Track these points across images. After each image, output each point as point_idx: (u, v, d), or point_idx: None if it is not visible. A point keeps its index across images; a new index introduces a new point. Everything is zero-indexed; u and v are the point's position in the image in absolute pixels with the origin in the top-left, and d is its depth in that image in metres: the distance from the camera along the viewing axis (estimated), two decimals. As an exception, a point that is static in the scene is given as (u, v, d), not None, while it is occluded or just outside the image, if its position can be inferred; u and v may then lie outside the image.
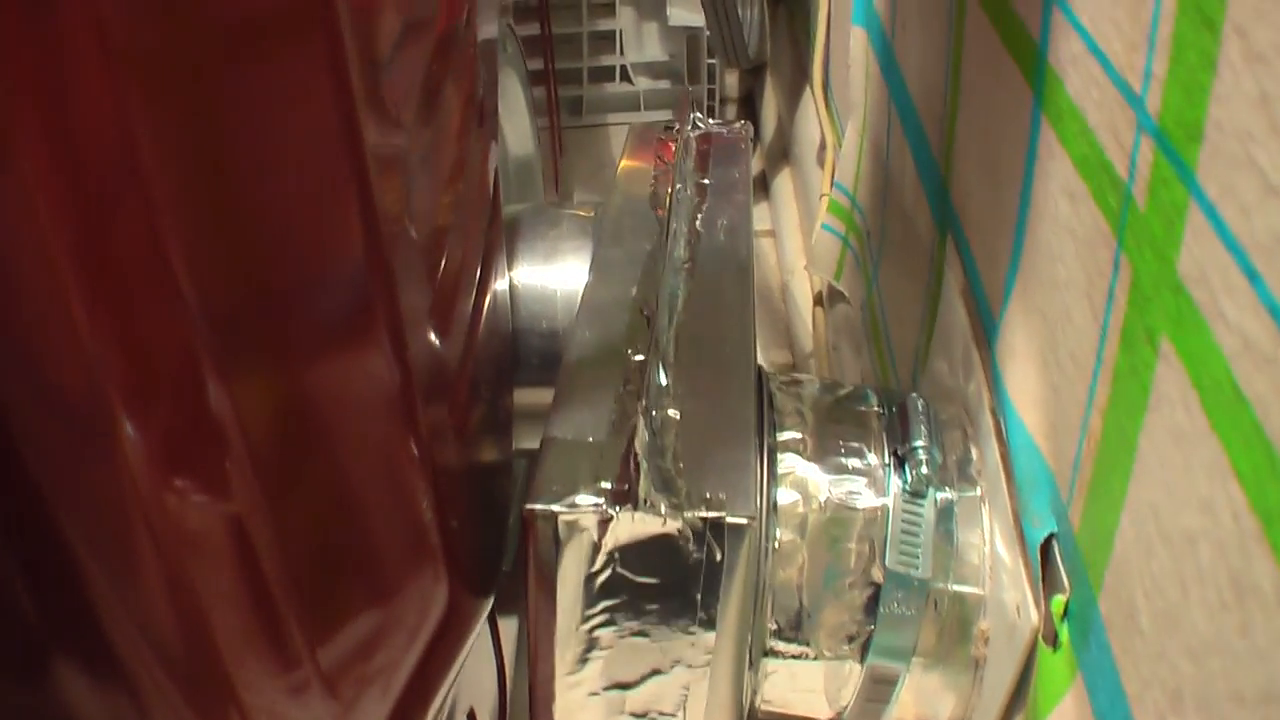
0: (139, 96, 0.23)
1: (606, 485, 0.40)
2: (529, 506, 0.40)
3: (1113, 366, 0.34)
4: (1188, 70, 0.28)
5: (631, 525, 0.39)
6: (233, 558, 0.29)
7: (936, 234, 0.56)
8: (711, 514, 0.39)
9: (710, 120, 0.74)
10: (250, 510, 0.29)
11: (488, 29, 0.51)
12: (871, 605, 0.45)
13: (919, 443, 0.46)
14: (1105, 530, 0.35)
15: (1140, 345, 0.31)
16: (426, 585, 0.39)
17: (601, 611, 0.41)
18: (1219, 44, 0.26)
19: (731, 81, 1.37)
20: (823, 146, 0.95)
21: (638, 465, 0.39)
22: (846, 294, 0.82)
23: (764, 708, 0.49)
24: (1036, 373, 0.41)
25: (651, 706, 0.43)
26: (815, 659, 0.46)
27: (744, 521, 0.39)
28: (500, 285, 0.52)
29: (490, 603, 0.48)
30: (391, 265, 0.33)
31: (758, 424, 0.46)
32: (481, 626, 0.47)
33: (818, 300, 0.88)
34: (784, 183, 1.13)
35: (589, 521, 0.39)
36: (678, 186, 0.64)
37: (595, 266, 0.55)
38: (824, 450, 0.47)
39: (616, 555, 0.40)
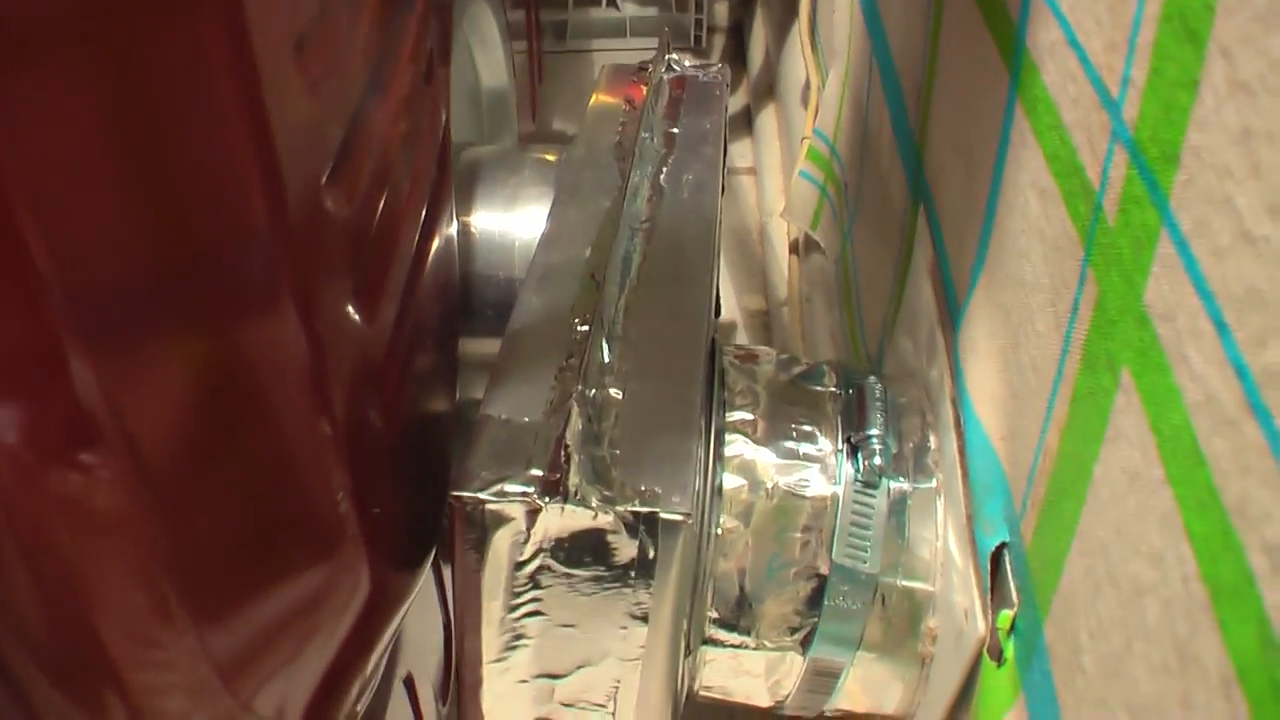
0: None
1: (537, 473, 0.38)
2: (455, 494, 0.38)
3: (1073, 385, 0.32)
4: (1167, 85, 0.25)
5: (561, 518, 0.37)
6: (112, 552, 0.27)
7: (909, 203, 0.54)
8: (645, 509, 0.37)
9: (686, 62, 0.71)
10: (129, 502, 0.27)
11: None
12: (816, 597, 0.44)
13: (874, 431, 0.44)
14: (1055, 555, 0.33)
15: (1101, 370, 0.29)
16: (342, 571, 0.37)
17: (529, 602, 0.39)
18: (1202, 63, 0.23)
19: (721, 10, 1.33)
20: (807, 86, 0.92)
21: (569, 455, 0.37)
22: (822, 245, 0.80)
23: (703, 694, 0.48)
24: (997, 373, 0.39)
25: (581, 696, 0.42)
26: (756, 649, 0.45)
27: (678, 518, 0.37)
28: (447, 245, 0.49)
29: (423, 574, 0.46)
30: (303, 243, 0.31)
31: (706, 404, 0.44)
32: (421, 587, 0.45)
33: (793, 248, 0.86)
34: (768, 119, 1.10)
35: (516, 512, 0.37)
36: (644, 136, 0.61)
37: (549, 225, 0.52)
38: (774, 434, 0.45)
39: (545, 546, 0.38)
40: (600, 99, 0.66)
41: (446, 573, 0.58)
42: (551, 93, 1.22)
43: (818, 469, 0.44)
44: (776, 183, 1.01)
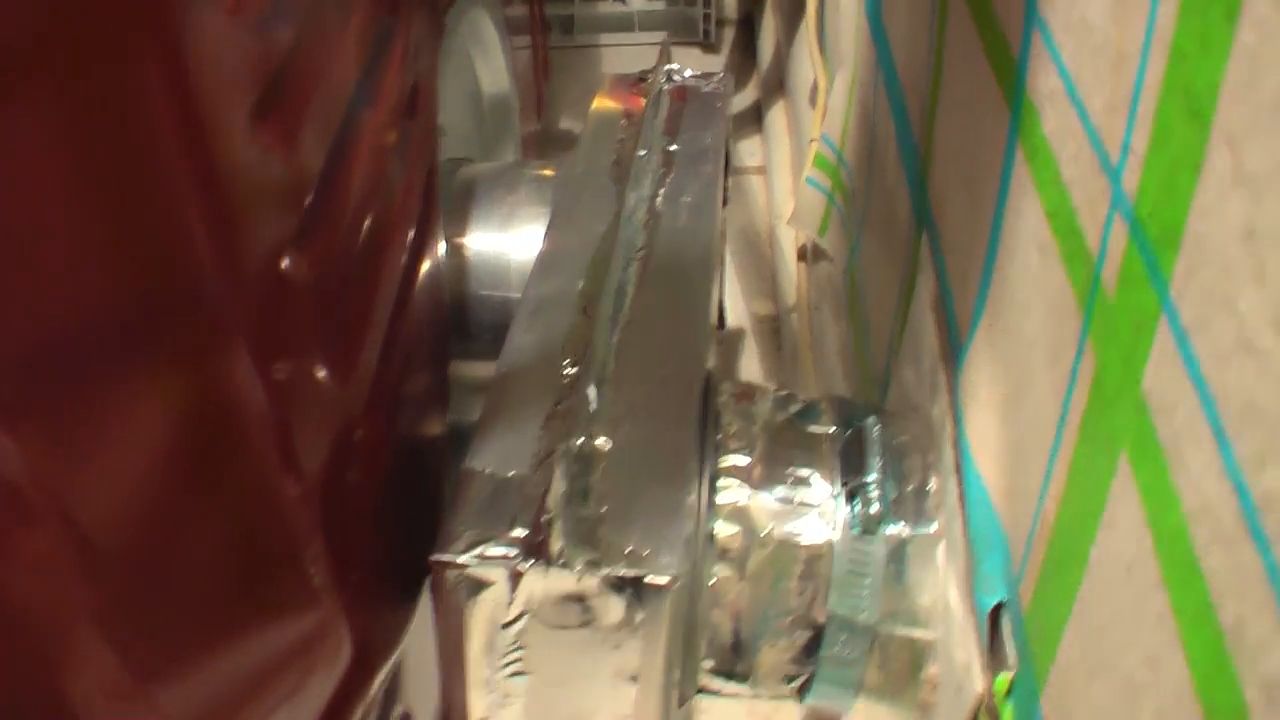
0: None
1: (521, 533, 0.37)
2: (436, 557, 0.36)
3: (1070, 455, 0.30)
4: (1169, 162, 0.24)
5: (545, 581, 0.36)
6: (70, 619, 0.26)
7: (914, 224, 0.52)
8: (631, 572, 0.36)
9: (688, 72, 0.70)
10: (77, 580, 0.26)
11: (424, 25, 0.46)
12: (813, 646, 0.42)
13: (872, 477, 0.43)
14: (1052, 627, 0.31)
15: (1100, 449, 0.28)
16: (319, 639, 0.36)
17: (515, 662, 0.38)
18: (1205, 146, 0.22)
19: (730, 2, 1.31)
20: (815, 87, 0.90)
21: (553, 515, 0.36)
22: (829, 252, 0.78)
23: (698, 740, 0.46)
24: (996, 424, 0.38)
25: (570, 752, 0.40)
26: (752, 698, 0.44)
27: (665, 581, 0.36)
28: (435, 281, 0.48)
29: (412, 619, 0.45)
30: (263, 305, 0.30)
31: (699, 450, 0.43)
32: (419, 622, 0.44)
33: (801, 255, 0.84)
34: (778, 116, 1.08)
35: (499, 575, 0.36)
36: (642, 153, 0.60)
37: (543, 251, 0.51)
38: (770, 478, 0.44)
39: (530, 608, 0.37)
40: (599, 111, 0.64)
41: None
42: (559, 88, 1.20)
43: (814, 515, 0.43)
44: (786, 183, 1.00)
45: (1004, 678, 0.36)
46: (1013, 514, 0.36)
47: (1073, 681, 0.30)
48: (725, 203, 0.72)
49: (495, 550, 0.36)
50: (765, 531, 0.42)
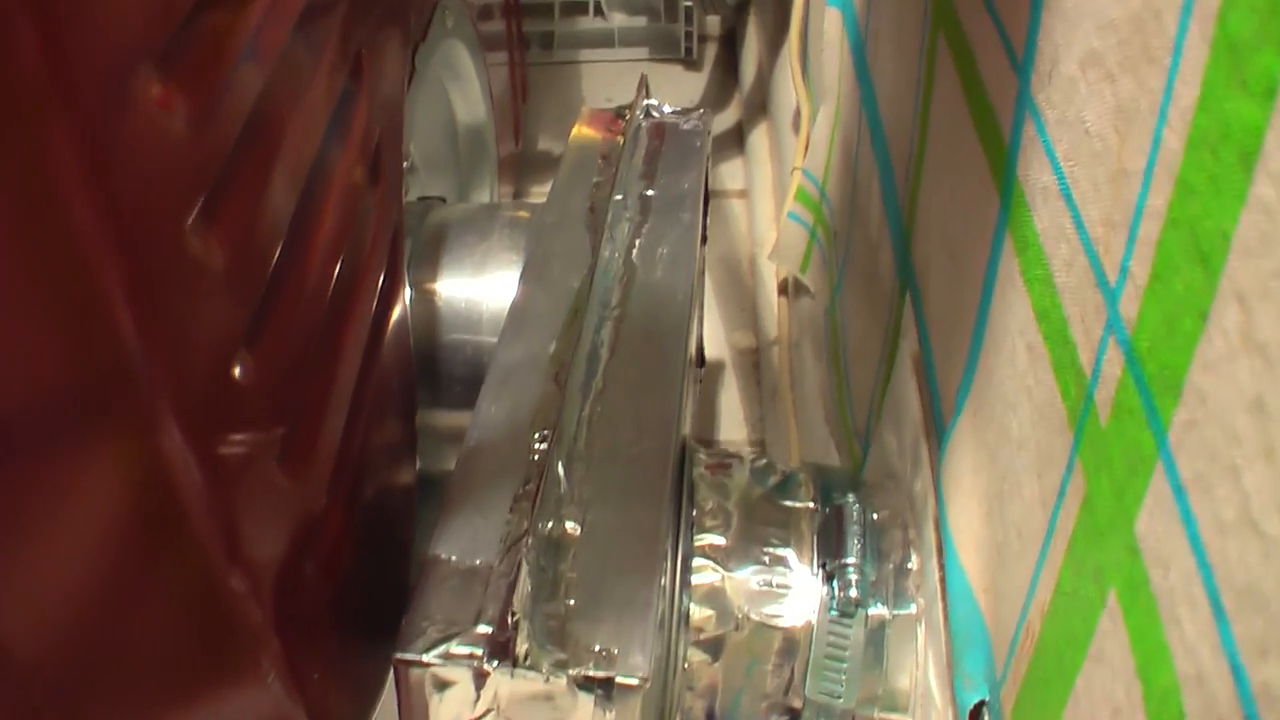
0: None
1: (485, 630, 0.35)
2: (400, 655, 0.35)
3: (1057, 573, 0.29)
4: (1172, 302, 0.22)
5: (511, 682, 0.35)
6: None
7: (897, 285, 0.51)
8: (600, 673, 0.35)
9: (666, 108, 0.68)
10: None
11: (389, 77, 0.45)
12: (789, 732, 0.41)
13: (851, 559, 0.42)
14: (1038, 751, 0.30)
15: (1088, 579, 0.27)
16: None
17: (480, 758, 0.37)
18: (1213, 297, 0.21)
19: (713, 18, 1.29)
20: (798, 113, 0.89)
21: (517, 618, 0.35)
22: (811, 289, 0.77)
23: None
24: (980, 516, 0.36)
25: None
26: (726, 782, 0.42)
27: (634, 682, 0.34)
28: (400, 349, 0.46)
29: (380, 696, 0.44)
30: (208, 412, 0.28)
31: (673, 529, 0.42)
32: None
33: (782, 289, 0.83)
34: (760, 138, 1.07)
35: (463, 675, 0.35)
36: (619, 197, 0.58)
37: (514, 308, 0.49)
38: (746, 557, 0.42)
39: (496, 706, 0.35)
40: (574, 149, 0.63)
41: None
42: (538, 106, 1.18)
43: (791, 597, 0.41)
44: (768, 209, 0.98)
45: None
46: (996, 614, 0.35)
47: (1058, 812, 0.28)
48: (704, 241, 0.71)
49: (460, 649, 0.35)
50: (741, 614, 0.41)
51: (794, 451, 0.75)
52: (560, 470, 0.41)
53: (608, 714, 0.35)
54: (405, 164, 0.59)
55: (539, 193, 1.07)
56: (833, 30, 0.72)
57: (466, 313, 0.58)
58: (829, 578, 0.42)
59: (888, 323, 0.53)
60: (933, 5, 0.44)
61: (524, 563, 0.36)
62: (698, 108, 0.69)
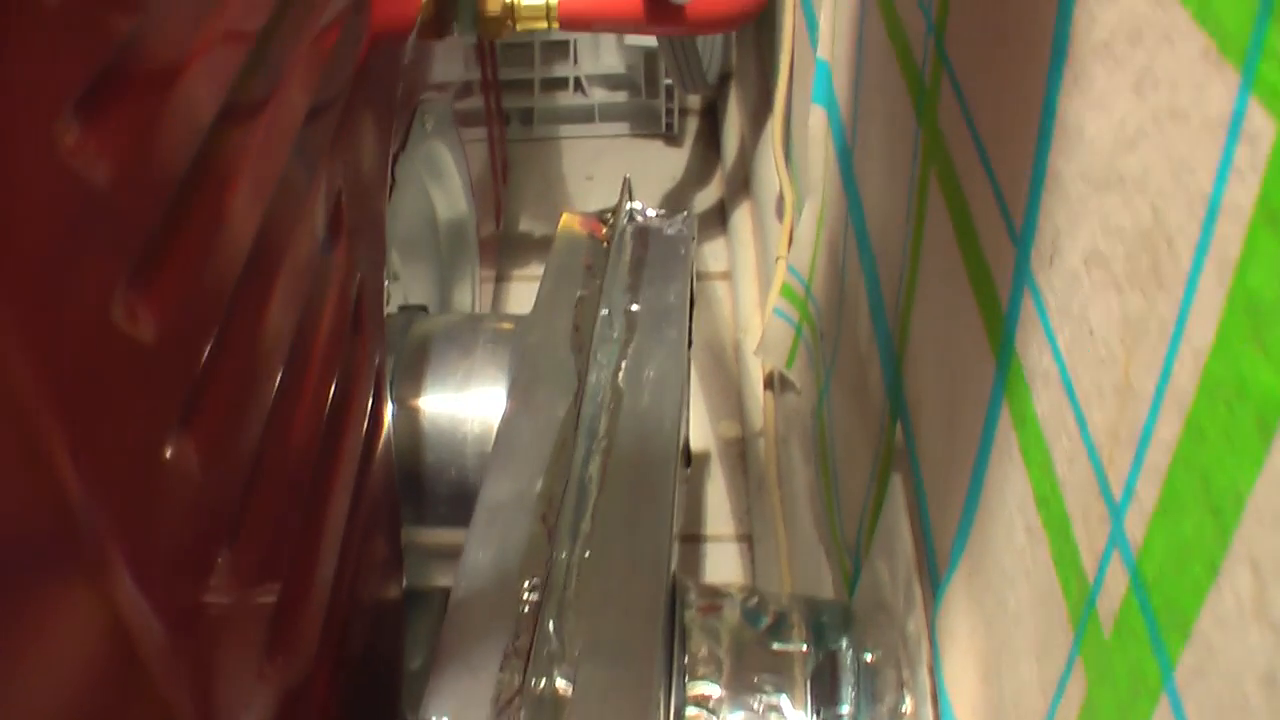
0: None
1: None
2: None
3: (1064, 772, 0.28)
4: (1181, 546, 0.22)
5: None
6: None
7: (887, 408, 0.50)
8: None
9: (650, 211, 0.68)
10: None
11: (370, 216, 0.44)
12: None
13: (845, 709, 0.41)
14: None
15: (1098, 794, 0.26)
16: None
17: None
18: (1225, 555, 0.20)
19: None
20: (781, 198, 0.89)
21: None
22: (798, 386, 0.76)
23: None
24: (977, 681, 0.36)
25: None
26: None
27: None
28: (386, 498, 0.46)
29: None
30: (189, 617, 0.27)
31: (665, 679, 0.41)
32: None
33: (768, 382, 0.83)
34: (743, 218, 1.07)
35: None
36: (604, 312, 0.58)
37: (500, 438, 0.49)
38: (739, 705, 0.41)
39: None
40: (558, 257, 0.62)
41: None
42: (519, 183, 1.18)
43: (785, 749, 0.41)
44: (752, 294, 0.98)
45: None
46: (997, 788, 0.34)
47: None
48: (690, 343, 0.70)
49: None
50: (733, 769, 0.40)
51: (782, 554, 0.74)
52: (550, 626, 0.40)
53: None
54: (391, 272, 0.58)
55: (520, 275, 1.06)
56: (817, 127, 0.71)
57: (450, 431, 0.57)
58: (823, 727, 0.41)
59: (878, 444, 0.53)
60: (924, 140, 0.44)
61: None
62: (682, 210, 0.68)
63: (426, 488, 0.58)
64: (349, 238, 0.41)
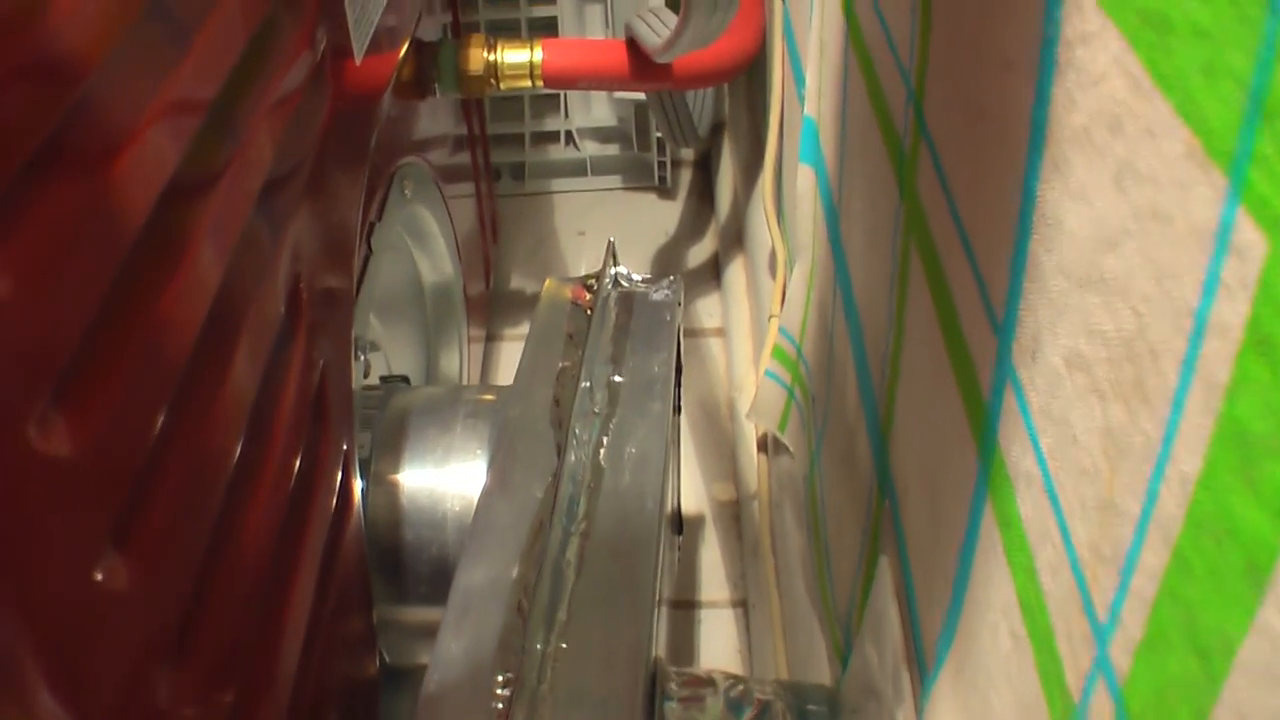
0: None
1: None
2: None
3: None
4: (1168, 683, 0.20)
5: None
6: None
7: (875, 485, 0.49)
8: None
9: (635, 276, 0.66)
10: None
11: (333, 300, 0.43)
12: None
13: (832, 812, 0.39)
14: None
15: None
16: None
17: None
18: (1214, 703, 0.18)
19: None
20: (774, 256, 0.87)
21: None
22: (791, 450, 0.75)
23: None
24: (970, 790, 0.34)
25: None
26: None
27: None
28: (355, 567, 0.44)
29: None
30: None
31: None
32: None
33: (761, 445, 0.81)
34: (737, 274, 1.05)
35: None
36: (585, 384, 0.56)
37: (477, 518, 0.47)
38: (722, 807, 0.40)
39: None
40: (540, 325, 0.61)
41: None
42: (510, 238, 1.17)
43: None
44: (746, 351, 0.96)
45: None
46: None
47: None
48: (678, 410, 0.68)
49: None
50: None
51: (776, 622, 0.72)
52: (523, 725, 0.38)
53: None
54: (367, 342, 0.57)
55: (512, 335, 1.05)
56: (805, 187, 0.70)
57: (430, 509, 0.55)
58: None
59: (866, 521, 0.51)
60: (905, 210, 0.43)
61: None
62: (668, 274, 0.67)
63: (407, 566, 0.56)
64: (309, 326, 0.39)
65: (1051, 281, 0.27)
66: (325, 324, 0.42)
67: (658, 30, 0.81)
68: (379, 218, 0.59)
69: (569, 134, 1.22)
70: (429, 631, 0.55)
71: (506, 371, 1.00)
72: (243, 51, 0.38)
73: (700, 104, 1.06)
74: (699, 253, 1.17)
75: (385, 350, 0.69)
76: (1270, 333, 0.17)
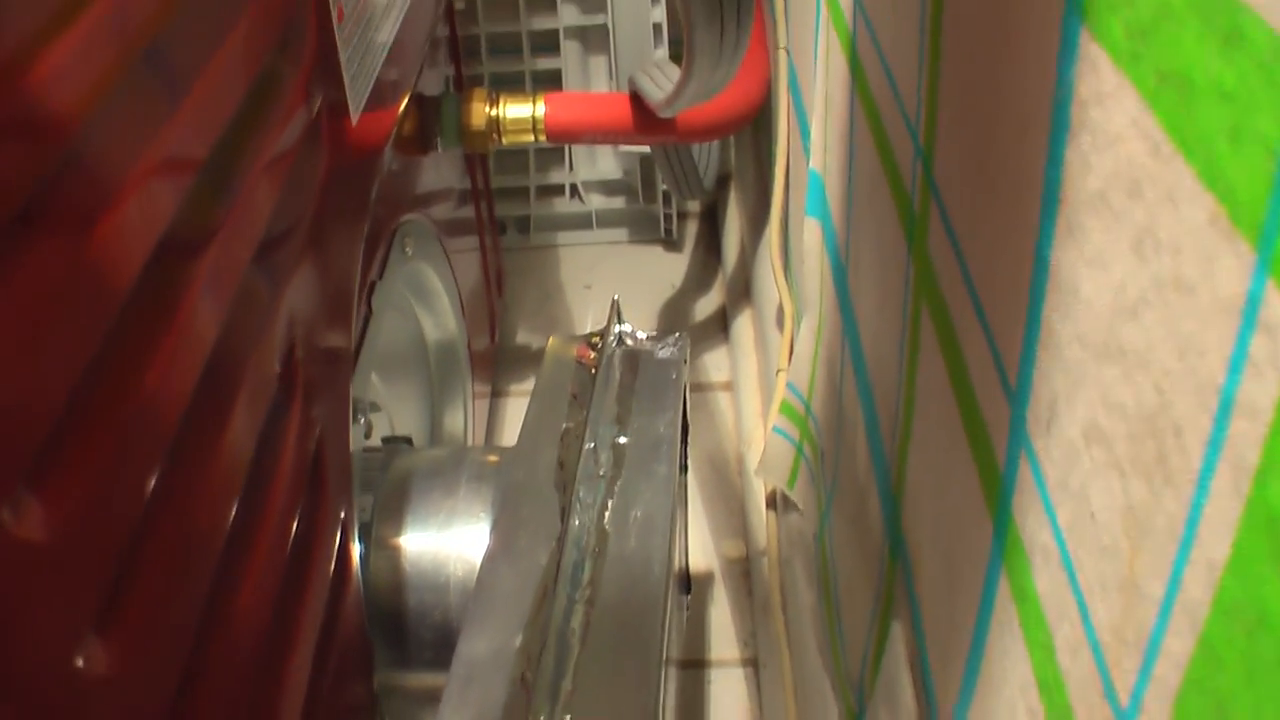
0: None
1: None
2: None
3: None
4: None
5: None
6: None
7: (887, 548, 0.48)
8: None
9: (640, 334, 0.66)
10: None
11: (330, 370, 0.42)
12: None
13: None
14: None
15: None
16: None
17: None
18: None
19: (693, 197, 1.27)
20: (781, 310, 0.87)
21: None
22: (800, 507, 0.74)
23: None
24: None
25: None
26: None
27: None
28: (353, 638, 0.43)
29: None
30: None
31: None
32: None
33: (770, 502, 0.80)
34: (744, 326, 1.04)
35: None
36: (590, 446, 0.55)
37: (480, 585, 0.46)
38: None
39: None
40: (544, 384, 0.60)
41: None
42: (517, 292, 1.16)
43: None
44: (754, 405, 0.95)
45: None
46: None
47: None
48: (684, 469, 0.68)
49: None
50: None
51: (787, 683, 0.71)
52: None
53: None
54: (368, 403, 0.56)
55: (518, 390, 1.04)
56: (812, 241, 0.69)
57: (433, 574, 0.54)
58: None
59: (878, 583, 0.50)
60: (915, 270, 0.42)
61: None
62: (674, 332, 0.66)
63: (410, 631, 0.55)
64: (305, 389, 0.38)
65: (1067, 350, 0.26)
66: (322, 386, 0.41)
67: (661, 84, 0.80)
68: (380, 276, 0.59)
69: (574, 187, 1.22)
70: (432, 697, 0.54)
71: (512, 428, 0.99)
72: (239, 105, 0.37)
73: (706, 156, 1.06)
74: (706, 305, 1.16)
75: (388, 409, 0.68)
76: (1304, 416, 0.16)
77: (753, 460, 0.89)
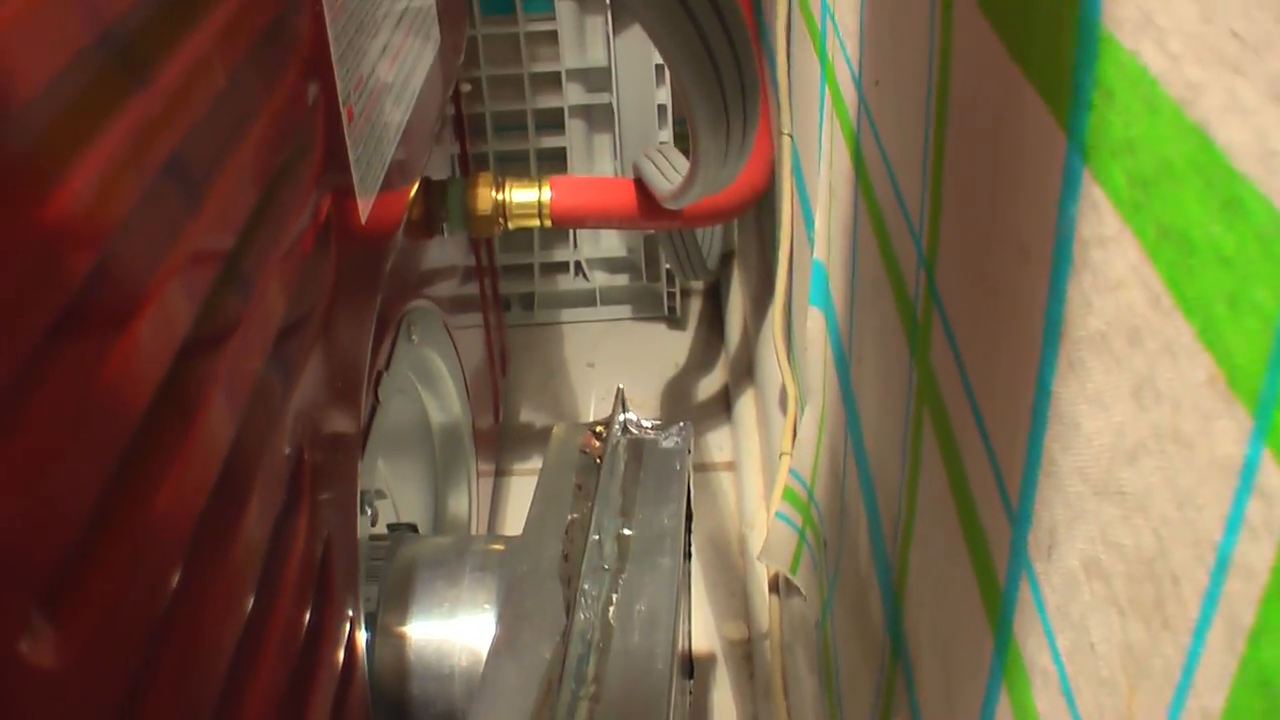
0: None
1: None
2: None
3: None
4: None
5: None
6: None
7: (889, 647, 0.48)
8: None
9: (645, 422, 0.66)
10: None
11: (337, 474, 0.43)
12: None
13: None
14: None
15: None
16: None
17: None
18: None
19: (695, 274, 1.28)
20: (784, 393, 0.87)
21: None
22: (803, 592, 0.74)
23: None
24: None
25: None
26: None
27: None
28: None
29: None
30: None
31: None
32: None
33: (773, 586, 0.80)
34: (747, 406, 1.05)
35: None
36: (595, 537, 0.55)
37: (484, 680, 0.46)
38: None
39: None
40: (549, 474, 0.60)
41: None
42: (520, 368, 1.17)
43: None
44: (756, 486, 0.96)
45: None
46: None
47: None
48: (688, 556, 0.68)
49: None
50: None
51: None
52: None
53: None
54: (374, 492, 0.57)
55: (521, 470, 1.04)
56: (816, 330, 0.70)
57: (437, 664, 0.55)
58: None
59: (879, 679, 0.50)
60: (917, 376, 0.42)
61: None
62: (678, 421, 0.67)
63: (413, 720, 0.55)
64: (313, 489, 0.39)
65: (1068, 482, 0.26)
66: (330, 480, 0.41)
67: (665, 171, 0.81)
68: (386, 367, 0.59)
69: (578, 264, 1.23)
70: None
71: (516, 507, 1.00)
72: (257, 201, 0.38)
73: (709, 236, 1.07)
74: (709, 385, 1.17)
75: (392, 494, 0.69)
76: (1297, 587, 0.17)
77: (755, 543, 0.89)
